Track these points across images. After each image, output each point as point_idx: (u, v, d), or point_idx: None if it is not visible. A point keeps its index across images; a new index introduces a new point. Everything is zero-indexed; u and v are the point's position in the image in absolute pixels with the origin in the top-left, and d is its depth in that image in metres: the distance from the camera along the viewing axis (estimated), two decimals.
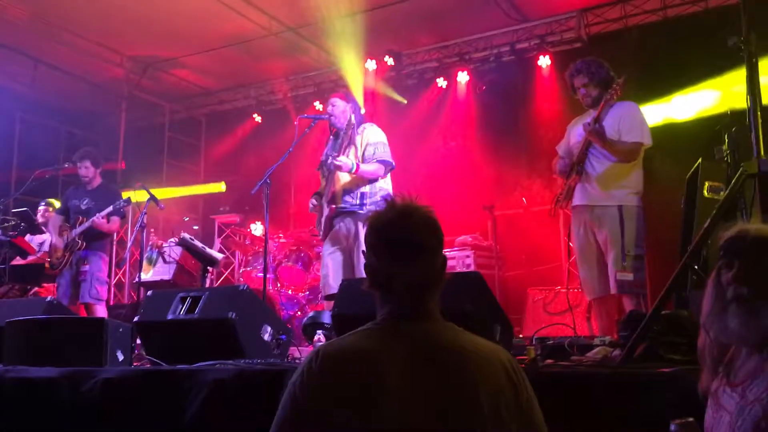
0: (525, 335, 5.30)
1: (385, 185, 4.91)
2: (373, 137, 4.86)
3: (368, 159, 4.78)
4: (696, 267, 2.66)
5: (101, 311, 6.02)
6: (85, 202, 6.14)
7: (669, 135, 6.66)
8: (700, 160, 3.82)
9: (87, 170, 6.26)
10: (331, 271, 4.85)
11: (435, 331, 1.64)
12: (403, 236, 1.67)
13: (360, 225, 4.74)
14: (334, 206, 4.83)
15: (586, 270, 4.47)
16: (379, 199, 4.78)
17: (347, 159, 4.69)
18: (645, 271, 4.27)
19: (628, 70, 4.75)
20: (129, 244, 7.05)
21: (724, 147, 3.64)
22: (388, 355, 1.56)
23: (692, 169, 3.89)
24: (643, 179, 4.42)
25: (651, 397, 2.24)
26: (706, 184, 3.65)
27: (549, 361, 2.90)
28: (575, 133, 4.60)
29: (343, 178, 4.83)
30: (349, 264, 4.81)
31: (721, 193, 3.47)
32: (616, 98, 4.37)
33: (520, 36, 8.27)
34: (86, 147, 6.88)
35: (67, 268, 6.08)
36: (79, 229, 6.02)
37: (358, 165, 4.70)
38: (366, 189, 4.82)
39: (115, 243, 8.61)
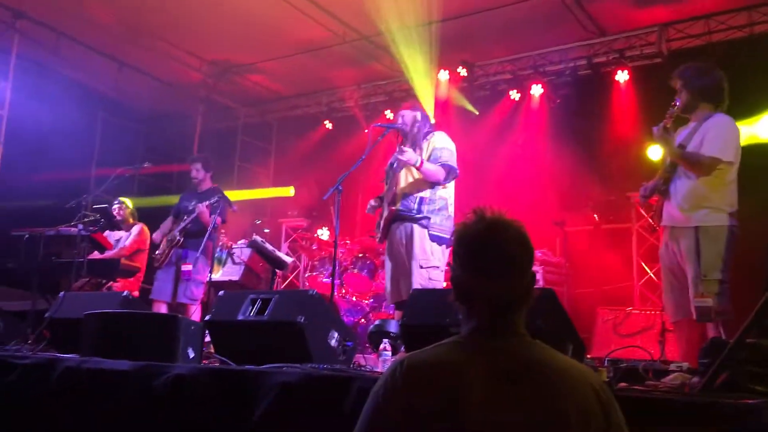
0: (594, 356, 5.16)
1: (446, 194, 4.75)
2: (439, 143, 4.75)
3: (433, 161, 4.66)
4: None
5: (195, 311, 6.13)
6: (192, 204, 6.35)
7: (755, 155, 6.40)
8: None
9: (197, 172, 6.62)
10: (390, 279, 4.82)
11: (522, 348, 1.60)
12: (493, 251, 1.61)
13: (415, 232, 4.62)
14: (393, 208, 4.75)
15: (668, 291, 4.28)
16: (438, 207, 4.67)
17: (413, 153, 4.58)
18: (728, 297, 4.02)
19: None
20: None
21: None
22: (472, 369, 1.52)
23: None
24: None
25: (731, 428, 2.13)
26: None
27: (622, 384, 2.80)
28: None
29: (405, 180, 4.75)
30: (405, 272, 4.66)
31: None
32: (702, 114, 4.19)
33: (597, 50, 8.11)
34: (201, 152, 7.31)
35: (168, 264, 6.33)
36: (181, 225, 6.29)
37: (422, 161, 4.57)
38: (426, 194, 4.68)
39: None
